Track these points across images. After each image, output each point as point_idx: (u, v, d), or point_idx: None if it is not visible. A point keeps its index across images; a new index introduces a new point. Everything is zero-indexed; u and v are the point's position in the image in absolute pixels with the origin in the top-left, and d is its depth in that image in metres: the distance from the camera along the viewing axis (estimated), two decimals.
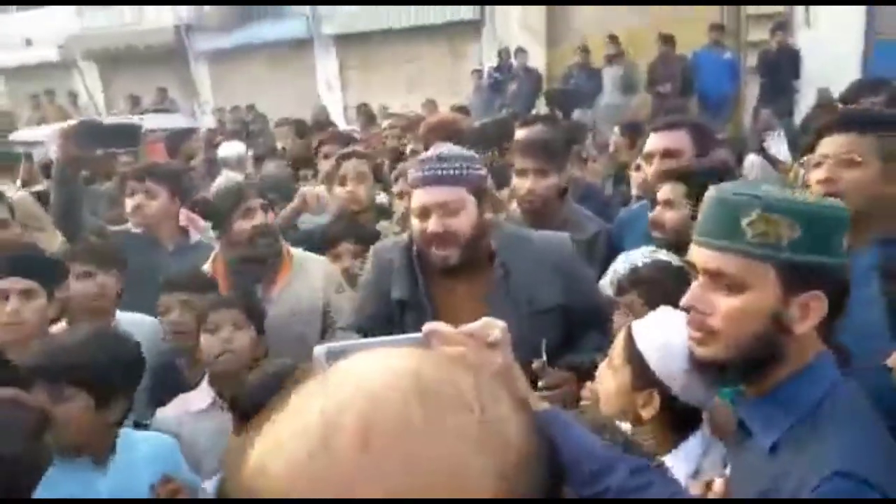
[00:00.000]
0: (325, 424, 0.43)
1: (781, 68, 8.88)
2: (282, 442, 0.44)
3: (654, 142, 2.52)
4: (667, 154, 2.45)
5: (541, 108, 10.41)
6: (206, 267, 2.56)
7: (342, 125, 10.14)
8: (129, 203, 2.86)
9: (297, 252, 2.63)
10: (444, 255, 1.86)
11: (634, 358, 1.40)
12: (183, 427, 2.05)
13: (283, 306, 2.46)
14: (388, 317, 1.95)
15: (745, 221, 1.08)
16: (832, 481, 1.00)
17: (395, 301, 1.94)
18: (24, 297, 2.01)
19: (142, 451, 1.83)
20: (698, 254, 1.15)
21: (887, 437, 1.12)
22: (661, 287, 1.76)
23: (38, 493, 1.39)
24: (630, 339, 1.43)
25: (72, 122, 2.68)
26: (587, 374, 1.68)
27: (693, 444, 1.40)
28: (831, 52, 8.80)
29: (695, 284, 1.16)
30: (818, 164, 1.78)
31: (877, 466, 1.03)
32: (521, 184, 2.63)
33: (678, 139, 2.48)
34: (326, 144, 3.89)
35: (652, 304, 1.80)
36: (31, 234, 3.27)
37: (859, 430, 1.09)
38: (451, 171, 1.84)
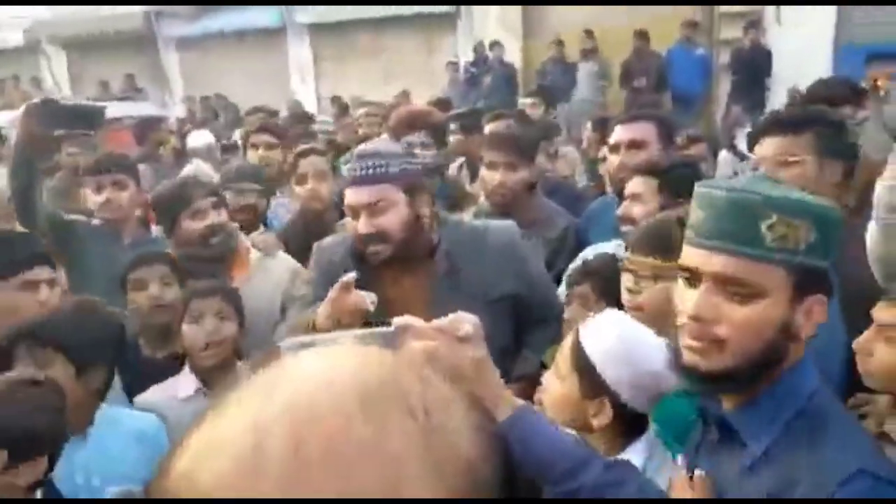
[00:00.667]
0: (256, 431, 0.40)
1: (753, 66, 8.98)
2: (211, 447, 0.41)
3: (620, 133, 2.54)
4: (632, 145, 2.47)
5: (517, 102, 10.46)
6: None
7: (315, 115, 10.06)
8: (97, 197, 2.75)
9: (257, 252, 2.57)
10: (374, 251, 1.86)
11: (584, 366, 1.36)
12: (171, 412, 2.02)
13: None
14: None
15: (764, 225, 1.02)
16: (858, 480, 0.98)
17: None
18: None
19: (126, 426, 1.84)
20: (704, 258, 1.07)
21: (872, 438, 1.13)
22: (613, 278, 1.75)
23: None
24: (578, 347, 1.38)
25: (34, 100, 2.57)
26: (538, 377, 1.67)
27: (638, 449, 1.38)
28: (801, 50, 8.92)
29: (700, 291, 1.07)
30: (755, 168, 1.81)
31: (884, 464, 1.03)
32: (490, 177, 2.61)
33: (643, 130, 2.50)
34: (254, 135, 3.75)
35: (604, 296, 1.80)
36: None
37: (855, 431, 1.09)
38: (374, 170, 1.83)
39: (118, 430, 1.82)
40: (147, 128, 6.38)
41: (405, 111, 3.23)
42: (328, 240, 2.15)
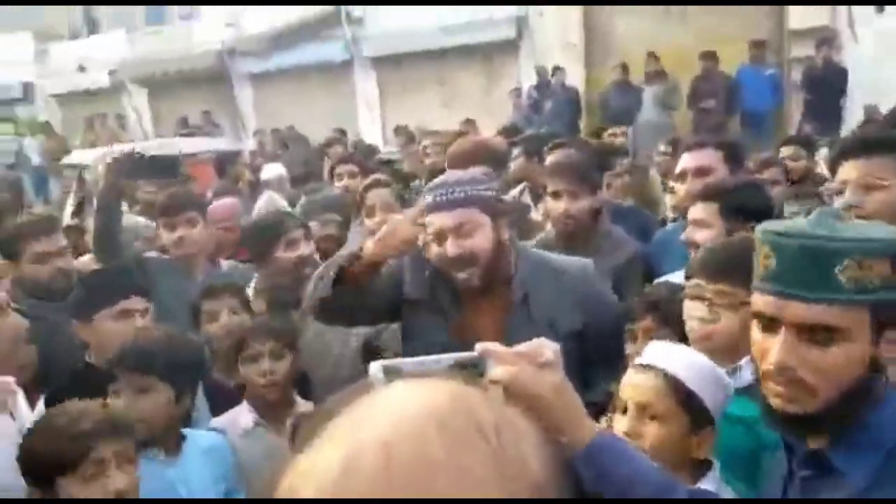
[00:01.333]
0: (349, 456, 0.46)
1: (827, 84, 8.71)
2: (309, 471, 0.47)
3: (686, 161, 2.54)
4: (699, 172, 2.46)
5: (581, 126, 10.43)
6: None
7: (382, 145, 10.27)
8: (171, 235, 2.88)
9: None
10: (465, 276, 1.88)
11: (687, 399, 1.34)
12: (235, 442, 2.11)
13: (319, 328, 2.47)
14: (393, 314, 2.02)
15: (837, 269, 1.02)
16: None
17: (405, 300, 1.98)
18: None
19: (200, 445, 1.95)
20: (781, 306, 1.07)
21: None
22: (675, 308, 1.73)
23: None
24: (675, 382, 1.35)
25: (116, 152, 2.76)
26: (601, 408, 1.66)
27: (711, 478, 1.36)
28: (878, 68, 8.61)
29: (781, 340, 1.07)
30: (839, 192, 1.77)
31: None
32: (555, 206, 2.63)
33: (709, 157, 2.49)
34: (341, 165, 3.89)
35: (667, 326, 1.78)
36: None
37: None
38: (461, 194, 1.87)
39: (196, 450, 1.93)
40: (226, 162, 6.67)
41: (464, 144, 3.29)
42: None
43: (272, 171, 5.66)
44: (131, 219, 3.38)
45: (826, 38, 9.08)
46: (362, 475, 0.44)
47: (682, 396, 1.34)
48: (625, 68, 9.92)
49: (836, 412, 1.07)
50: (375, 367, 0.89)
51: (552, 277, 1.98)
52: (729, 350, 1.53)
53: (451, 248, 1.85)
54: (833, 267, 1.02)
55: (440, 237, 1.88)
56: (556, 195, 2.64)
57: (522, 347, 1.00)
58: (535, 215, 3.43)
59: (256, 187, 5.86)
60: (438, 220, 1.88)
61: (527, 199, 3.86)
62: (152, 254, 3.05)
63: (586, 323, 1.95)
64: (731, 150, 2.56)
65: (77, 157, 9.01)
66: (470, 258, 1.86)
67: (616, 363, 1.94)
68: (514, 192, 3.97)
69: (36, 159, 13.80)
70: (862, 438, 1.08)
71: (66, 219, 4.36)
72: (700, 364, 1.37)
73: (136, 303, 2.17)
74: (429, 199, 1.92)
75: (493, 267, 1.90)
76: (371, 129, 12.79)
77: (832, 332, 1.04)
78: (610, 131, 5.31)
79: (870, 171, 1.74)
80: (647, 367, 1.40)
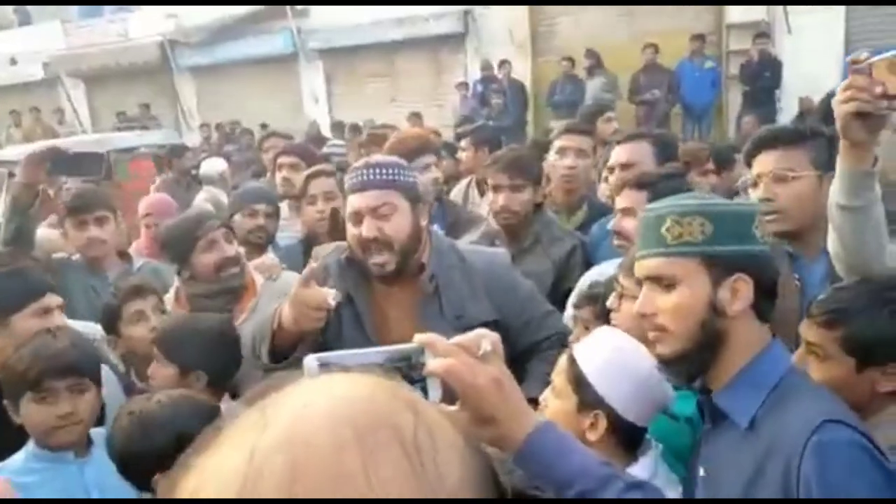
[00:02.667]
0: (253, 464, 0.43)
1: (763, 77, 8.96)
2: (211, 476, 0.44)
3: (616, 154, 2.60)
4: (626, 166, 2.52)
5: (529, 119, 10.52)
6: (170, 296, 2.51)
7: (331, 139, 10.17)
8: (80, 234, 2.77)
9: (261, 278, 2.57)
10: (380, 261, 1.84)
11: (577, 380, 1.39)
12: None
13: (247, 332, 2.40)
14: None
15: (663, 228, 1.26)
16: (825, 428, 1.12)
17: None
18: None
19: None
20: (637, 267, 1.32)
21: (841, 401, 1.26)
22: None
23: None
24: (572, 362, 1.42)
25: (35, 148, 2.61)
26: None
27: (641, 466, 1.39)
28: (812, 60, 8.90)
29: (641, 292, 1.31)
30: (755, 185, 1.84)
31: (851, 417, 1.18)
32: (495, 199, 2.64)
33: (638, 151, 2.55)
34: (283, 156, 3.77)
35: (604, 319, 1.82)
36: None
37: (824, 394, 1.25)
38: (382, 176, 1.85)
39: (99, 445, 1.85)
40: (171, 156, 6.50)
41: (405, 138, 3.27)
42: (326, 246, 2.16)
43: (212, 165, 5.53)
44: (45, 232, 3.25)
45: (761, 32, 9.34)
46: (265, 488, 0.41)
47: (573, 375, 1.40)
48: (570, 61, 10.03)
49: (696, 353, 1.26)
50: (310, 360, 0.85)
51: (463, 268, 1.96)
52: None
53: (366, 229, 1.82)
54: (661, 227, 1.26)
55: (357, 218, 1.85)
56: (496, 189, 2.64)
57: (461, 338, 0.98)
58: (484, 207, 3.43)
59: (195, 182, 5.74)
60: (357, 201, 1.85)
61: (474, 191, 3.87)
62: (59, 254, 2.92)
63: (499, 314, 1.93)
64: (663, 143, 2.62)
65: (8, 153, 8.65)
66: (385, 241, 1.83)
67: (545, 347, 1.99)
68: (462, 184, 3.98)
69: None
70: (743, 385, 1.25)
71: None
72: (612, 350, 1.40)
73: (52, 300, 2.09)
74: (350, 179, 1.89)
75: (409, 253, 1.87)
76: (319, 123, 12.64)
77: (667, 279, 1.26)
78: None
79: (781, 163, 1.79)
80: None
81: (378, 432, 0.44)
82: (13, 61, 15.51)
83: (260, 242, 2.93)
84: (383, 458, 0.43)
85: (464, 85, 11.03)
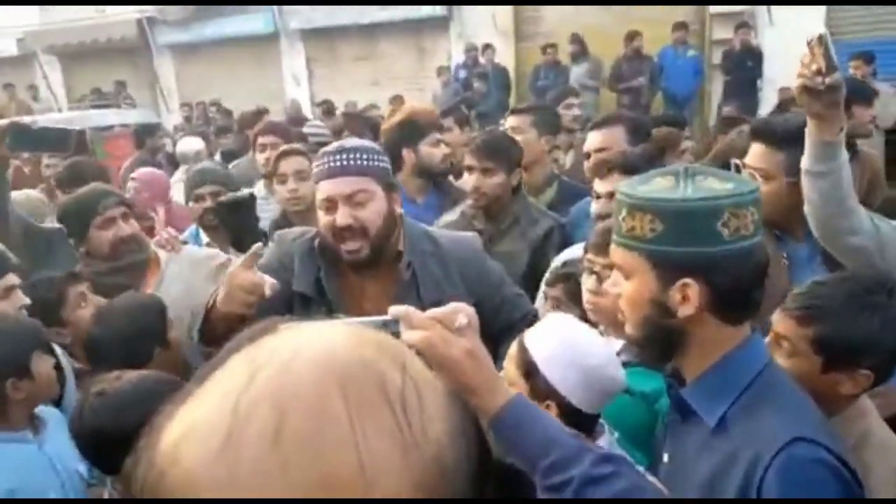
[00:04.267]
0: (238, 413, 0.42)
1: (744, 67, 9.00)
2: (196, 427, 0.43)
3: (590, 139, 2.64)
4: (599, 150, 2.57)
5: (511, 105, 10.48)
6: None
7: (313, 120, 10.08)
8: None
9: (164, 254, 2.51)
10: (353, 248, 1.79)
11: (528, 369, 1.36)
12: None
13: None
14: (287, 306, 1.83)
15: (620, 217, 1.20)
16: (793, 447, 1.06)
17: (296, 293, 1.85)
18: None
19: (53, 419, 1.86)
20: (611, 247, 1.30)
21: (819, 410, 1.20)
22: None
23: None
24: (523, 350, 1.38)
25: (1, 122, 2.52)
26: None
27: None
28: (793, 51, 8.93)
29: (613, 271, 1.29)
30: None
31: (824, 432, 1.12)
32: (468, 181, 2.65)
33: (611, 135, 2.59)
34: (262, 136, 3.74)
35: (575, 299, 1.81)
36: None
37: (800, 403, 1.18)
38: (356, 161, 1.79)
39: (51, 423, 1.85)
40: (145, 134, 6.41)
41: (427, 110, 3.29)
42: (292, 230, 2.06)
43: (189, 144, 5.45)
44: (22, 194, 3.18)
45: (744, 22, 9.37)
46: (250, 442, 0.40)
47: (524, 364, 1.37)
48: (553, 47, 10.00)
49: (647, 343, 1.25)
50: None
51: (437, 253, 1.93)
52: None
53: (341, 217, 1.77)
54: (618, 214, 1.21)
55: (330, 205, 1.80)
56: (470, 170, 2.64)
57: (437, 311, 0.99)
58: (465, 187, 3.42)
59: (174, 161, 5.66)
60: (331, 187, 1.79)
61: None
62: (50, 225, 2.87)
63: (475, 298, 1.87)
64: (636, 126, 2.65)
65: None
66: (360, 229, 1.78)
67: (517, 328, 1.95)
68: None
69: None
70: (713, 381, 1.20)
71: None
72: (562, 338, 1.36)
73: (12, 279, 2.03)
74: (323, 164, 1.82)
75: (383, 241, 1.83)
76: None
77: (621, 269, 1.23)
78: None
79: (762, 161, 1.89)
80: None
81: (364, 387, 0.43)
82: None
83: (215, 224, 2.85)
84: (368, 413, 0.42)
85: (446, 69, 10.95)
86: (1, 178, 2.49)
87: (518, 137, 2.94)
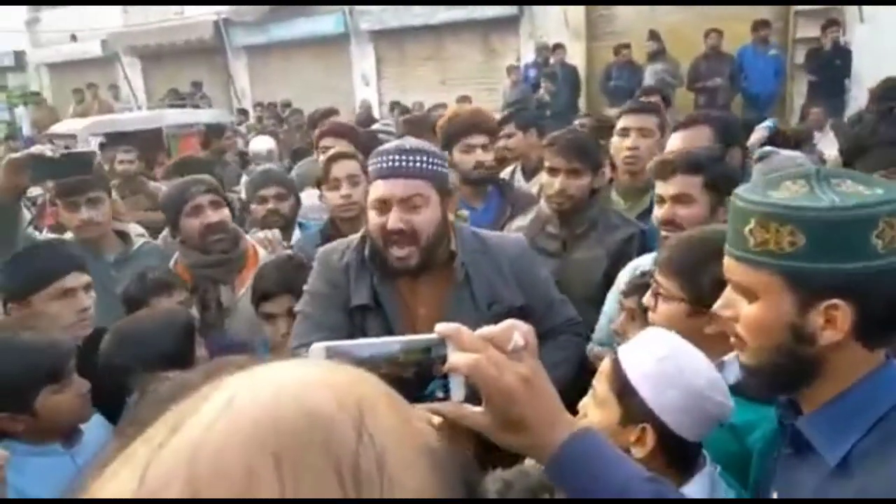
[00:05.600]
0: (144, 489, 0.34)
1: (832, 66, 8.56)
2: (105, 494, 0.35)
3: (672, 141, 2.44)
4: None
5: (581, 105, 10.28)
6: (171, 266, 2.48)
7: (382, 120, 10.13)
8: (74, 216, 2.67)
9: (263, 252, 2.50)
10: (402, 255, 1.73)
11: (622, 388, 1.23)
12: None
13: (246, 308, 2.30)
14: (349, 326, 1.79)
15: (746, 229, 1.03)
16: None
17: (354, 308, 1.80)
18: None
19: (93, 430, 1.80)
20: (726, 262, 1.11)
21: None
22: None
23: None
24: (617, 369, 1.25)
25: (16, 154, 2.49)
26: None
27: (700, 484, 1.24)
28: (885, 49, 8.45)
29: (726, 290, 1.12)
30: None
31: None
32: (550, 183, 2.50)
33: (697, 136, 2.38)
34: (326, 137, 3.63)
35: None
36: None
37: None
38: (415, 164, 1.72)
39: (89, 435, 1.81)
40: (212, 135, 6.53)
41: (464, 113, 3.14)
42: (332, 245, 1.98)
43: (261, 143, 5.52)
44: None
45: (833, 20, 8.91)
46: None
47: (618, 385, 1.24)
48: (626, 46, 9.74)
49: (772, 375, 1.08)
50: (317, 348, 0.75)
51: (490, 256, 1.88)
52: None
53: (393, 220, 1.71)
54: (745, 226, 1.04)
55: (383, 206, 1.73)
56: (553, 172, 2.50)
57: (489, 330, 0.84)
58: (532, 189, 3.29)
59: (246, 160, 5.73)
60: (385, 188, 1.72)
61: (519, 177, 3.73)
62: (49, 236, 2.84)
63: (526, 299, 1.87)
64: (724, 126, 2.45)
65: (64, 127, 8.83)
66: (411, 234, 1.72)
67: (569, 339, 1.94)
68: (507, 171, 3.84)
69: (27, 129, 13.60)
70: (838, 411, 1.04)
71: None
72: (664, 355, 1.23)
73: (76, 279, 2.02)
74: (380, 163, 1.75)
75: (433, 248, 1.76)
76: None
77: (744, 289, 1.07)
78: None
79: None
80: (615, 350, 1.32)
81: (307, 454, 0.34)
82: (73, 38, 15.87)
83: (279, 227, 2.80)
84: (309, 489, 0.34)
85: (515, 69, 10.82)
86: (15, 207, 2.43)
87: (639, 141, 2.78)
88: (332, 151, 3.03)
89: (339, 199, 2.77)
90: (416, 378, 0.78)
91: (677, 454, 1.23)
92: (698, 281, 1.46)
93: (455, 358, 0.79)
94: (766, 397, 1.19)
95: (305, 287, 1.93)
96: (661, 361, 1.22)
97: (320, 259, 1.92)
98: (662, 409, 1.20)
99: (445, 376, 0.79)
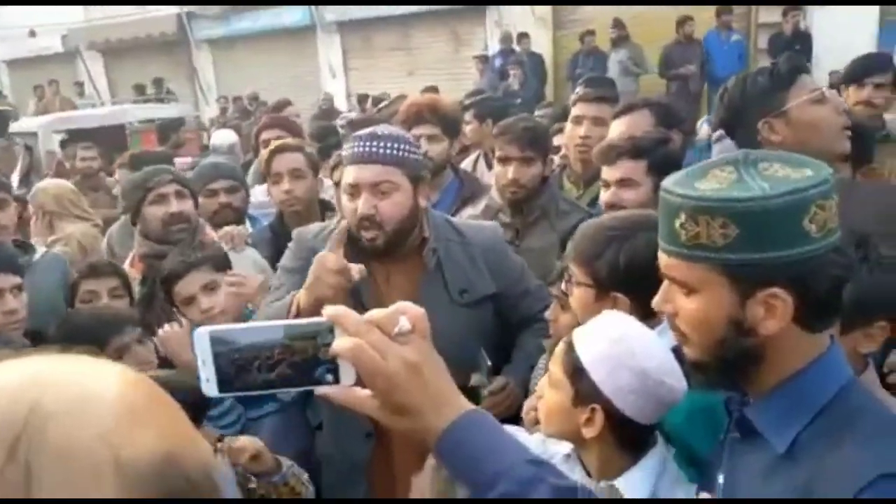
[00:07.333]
0: None
1: (793, 51, 8.66)
2: None
3: (614, 128, 2.42)
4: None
5: (548, 94, 10.29)
6: (127, 265, 2.45)
7: (346, 112, 10.06)
8: None
9: (224, 247, 2.44)
10: (370, 237, 1.77)
11: (575, 370, 1.24)
12: None
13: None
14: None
15: (677, 223, 1.00)
16: (878, 486, 0.90)
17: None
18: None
19: None
20: (661, 258, 1.08)
21: None
22: None
23: None
24: (570, 351, 1.26)
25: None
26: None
27: (647, 464, 1.25)
28: (845, 34, 8.58)
29: (663, 285, 1.09)
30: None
31: None
32: (503, 172, 2.50)
33: (637, 122, 2.37)
34: (266, 130, 3.55)
35: None
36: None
37: (889, 428, 1.00)
38: (385, 150, 1.75)
39: None
40: (169, 129, 6.45)
41: (410, 104, 3.10)
42: (310, 227, 2.03)
43: (222, 137, 5.44)
44: None
45: (793, 4, 9.01)
46: None
47: (571, 367, 1.25)
48: (591, 34, 9.77)
49: (715, 367, 1.06)
50: (201, 333, 0.74)
51: (461, 242, 1.91)
52: None
53: (363, 205, 1.75)
54: (675, 219, 1.00)
55: (355, 191, 1.77)
56: (505, 161, 2.50)
57: (376, 314, 0.81)
58: (490, 180, 3.29)
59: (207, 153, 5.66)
60: (356, 173, 1.76)
61: (482, 166, 3.73)
62: None
63: (499, 287, 1.92)
64: (665, 112, 2.45)
65: (25, 124, 8.65)
66: (379, 220, 1.75)
67: (537, 318, 1.92)
68: (470, 159, 3.83)
69: None
70: (784, 399, 1.03)
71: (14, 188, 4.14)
72: (616, 337, 1.24)
73: (3, 281, 1.98)
74: (352, 148, 1.79)
75: (403, 233, 1.80)
76: (336, 97, 12.50)
77: (683, 284, 1.04)
78: None
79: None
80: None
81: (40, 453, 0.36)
82: (32, 34, 15.51)
83: (229, 221, 2.73)
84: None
85: (482, 58, 10.81)
86: None
87: (592, 130, 2.76)
88: (273, 144, 2.96)
89: (282, 195, 2.72)
90: (306, 363, 0.76)
91: (628, 435, 1.24)
92: (597, 267, 1.48)
93: (338, 343, 0.77)
94: (714, 389, 1.18)
95: (279, 264, 1.98)
96: (613, 344, 1.23)
97: (296, 239, 1.97)
98: (613, 392, 1.21)
99: (336, 360, 0.77)
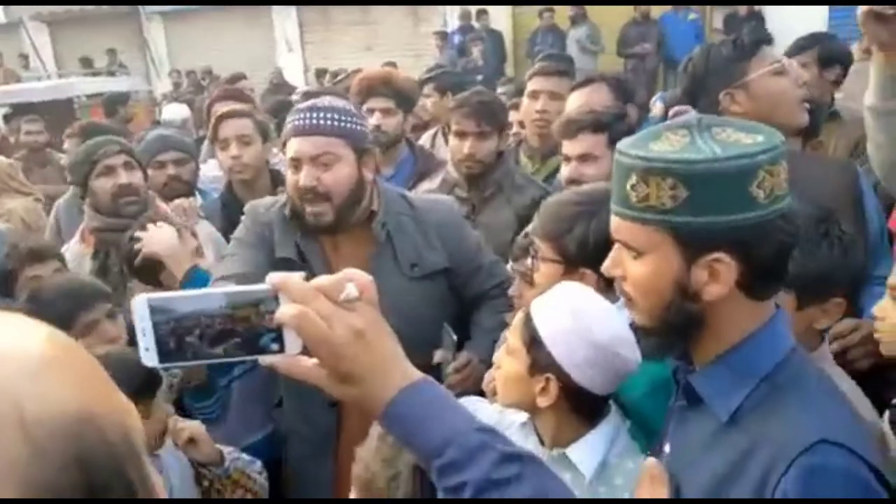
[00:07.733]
0: None
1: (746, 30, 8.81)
2: None
3: (572, 101, 2.44)
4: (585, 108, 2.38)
5: (508, 71, 10.28)
6: (76, 240, 2.38)
7: (303, 87, 9.90)
8: None
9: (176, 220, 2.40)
10: (315, 211, 1.75)
11: (531, 340, 1.25)
12: None
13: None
14: (268, 267, 1.74)
15: (628, 185, 0.99)
16: (817, 451, 0.91)
17: (279, 260, 1.80)
18: None
19: None
20: (611, 220, 1.08)
21: (849, 403, 1.05)
22: None
23: None
24: (528, 321, 1.27)
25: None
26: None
27: (599, 434, 1.27)
28: (796, 14, 8.73)
29: (613, 249, 1.08)
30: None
31: (856, 435, 0.96)
32: (459, 146, 2.49)
33: (594, 95, 2.40)
34: (217, 103, 3.48)
35: None
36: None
37: (829, 396, 1.02)
38: (326, 122, 1.73)
39: None
40: (115, 103, 6.28)
41: (363, 77, 3.07)
42: (262, 200, 2.01)
43: (174, 112, 5.31)
44: None
45: None
46: None
47: (527, 336, 1.26)
48: (550, 11, 9.79)
49: (662, 332, 1.05)
50: (139, 300, 0.72)
51: (414, 216, 1.89)
52: None
53: (304, 177, 1.72)
54: (626, 181, 1.00)
55: (297, 164, 1.75)
56: (461, 135, 2.48)
57: (322, 281, 0.80)
58: (447, 155, 3.27)
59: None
60: (298, 146, 1.74)
61: (440, 139, 3.70)
62: None
63: (452, 262, 1.90)
64: (620, 85, 2.48)
65: None
66: (323, 192, 1.73)
67: (501, 301, 1.92)
68: (428, 134, 3.80)
69: None
70: (727, 368, 1.03)
71: None
72: (572, 309, 1.25)
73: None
74: (293, 121, 1.77)
75: (349, 205, 1.77)
76: (292, 70, 12.27)
77: (631, 248, 1.03)
78: None
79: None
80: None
81: None
82: None
83: (179, 194, 2.68)
84: None
85: (441, 35, 10.73)
86: None
87: (549, 104, 2.76)
88: (221, 111, 2.91)
89: (229, 161, 2.69)
90: (250, 331, 0.74)
91: (582, 405, 1.26)
92: (565, 243, 1.48)
93: (282, 310, 0.75)
94: (661, 356, 1.18)
95: (233, 235, 1.95)
96: (570, 316, 1.24)
97: (248, 212, 1.95)
98: (567, 362, 1.22)
99: (281, 329, 0.76)
